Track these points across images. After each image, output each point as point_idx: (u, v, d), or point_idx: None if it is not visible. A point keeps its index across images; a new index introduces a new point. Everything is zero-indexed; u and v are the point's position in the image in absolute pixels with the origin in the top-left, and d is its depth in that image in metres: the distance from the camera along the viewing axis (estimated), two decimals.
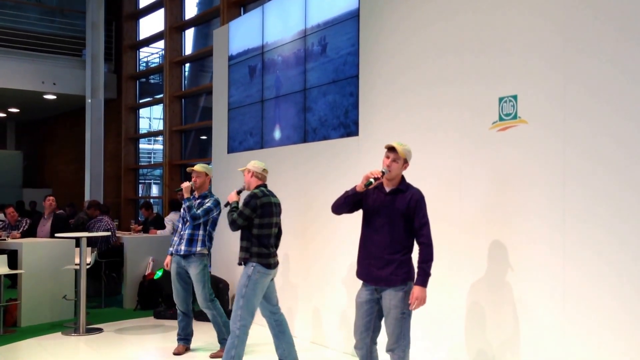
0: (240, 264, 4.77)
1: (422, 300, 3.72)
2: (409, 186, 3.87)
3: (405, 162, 3.85)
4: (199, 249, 5.50)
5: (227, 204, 4.87)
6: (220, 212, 5.65)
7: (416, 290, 3.73)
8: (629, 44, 3.56)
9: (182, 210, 5.71)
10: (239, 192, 4.95)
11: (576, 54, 3.82)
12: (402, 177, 3.90)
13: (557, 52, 3.93)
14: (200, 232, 5.54)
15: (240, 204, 4.78)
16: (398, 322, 3.77)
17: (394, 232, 3.81)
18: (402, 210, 3.79)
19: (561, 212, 3.85)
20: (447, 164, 4.69)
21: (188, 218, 5.54)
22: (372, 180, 3.76)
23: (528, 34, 4.12)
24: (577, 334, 3.75)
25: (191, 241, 5.52)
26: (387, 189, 3.88)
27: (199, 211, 5.51)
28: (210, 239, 5.63)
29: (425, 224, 3.79)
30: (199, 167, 5.68)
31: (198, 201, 5.65)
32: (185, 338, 5.77)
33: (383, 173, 3.80)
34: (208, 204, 5.57)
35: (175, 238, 5.68)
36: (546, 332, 3.91)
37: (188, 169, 5.76)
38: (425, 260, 3.74)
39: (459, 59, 4.63)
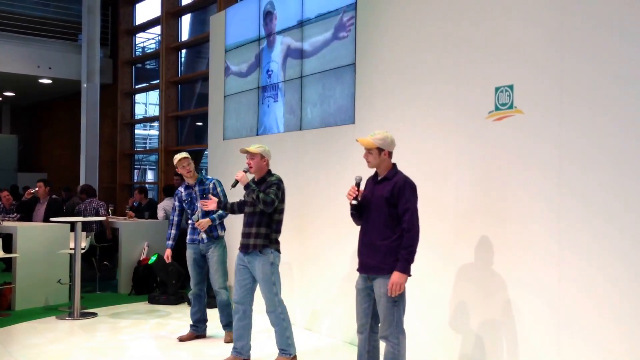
0: (250, 250, 4.71)
1: (397, 286, 3.74)
2: (396, 174, 3.92)
3: (382, 151, 3.90)
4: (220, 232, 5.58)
5: (236, 182, 4.74)
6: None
7: (394, 275, 3.76)
8: (628, 34, 3.56)
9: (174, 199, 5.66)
10: (245, 171, 4.80)
11: (573, 42, 3.81)
12: (392, 166, 3.96)
13: (554, 42, 3.92)
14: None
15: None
16: (388, 310, 3.82)
17: (380, 220, 3.86)
18: (386, 196, 3.84)
19: (557, 201, 3.86)
20: (442, 153, 4.70)
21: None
22: (353, 202, 3.95)
23: (525, 23, 4.12)
24: (574, 335, 3.78)
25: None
26: (378, 179, 3.98)
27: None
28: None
29: (408, 209, 3.78)
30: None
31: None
32: (195, 325, 5.78)
33: (356, 197, 3.94)
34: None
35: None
36: (540, 333, 3.94)
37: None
38: (405, 247, 3.76)
39: (455, 48, 4.62)
